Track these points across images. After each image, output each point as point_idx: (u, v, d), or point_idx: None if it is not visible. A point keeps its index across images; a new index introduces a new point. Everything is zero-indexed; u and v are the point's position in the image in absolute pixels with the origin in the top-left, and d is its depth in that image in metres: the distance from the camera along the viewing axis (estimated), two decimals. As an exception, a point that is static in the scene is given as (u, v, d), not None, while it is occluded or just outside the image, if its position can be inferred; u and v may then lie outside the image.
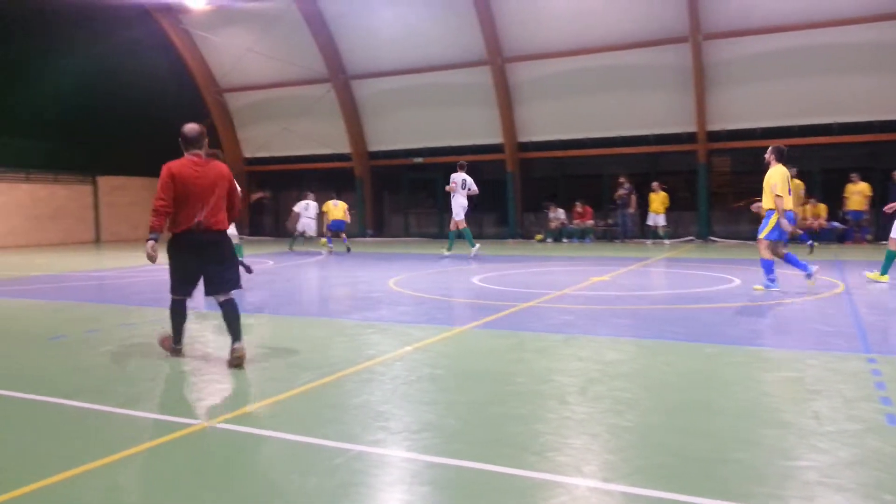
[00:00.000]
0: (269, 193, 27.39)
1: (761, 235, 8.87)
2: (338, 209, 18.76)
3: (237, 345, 5.37)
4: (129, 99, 24.02)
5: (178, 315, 5.71)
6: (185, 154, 5.48)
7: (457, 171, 15.63)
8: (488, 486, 3.07)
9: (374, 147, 24.67)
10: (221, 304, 5.52)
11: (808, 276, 8.93)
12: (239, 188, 6.12)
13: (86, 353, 6.00)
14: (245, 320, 7.24)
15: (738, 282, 10.30)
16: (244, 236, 26.20)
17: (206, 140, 5.67)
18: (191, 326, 7.03)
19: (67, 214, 24.11)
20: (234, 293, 5.55)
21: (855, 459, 3.28)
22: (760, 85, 19.25)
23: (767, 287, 8.85)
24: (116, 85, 23.57)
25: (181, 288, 5.61)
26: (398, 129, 23.88)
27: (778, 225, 8.75)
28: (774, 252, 8.92)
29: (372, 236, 24.55)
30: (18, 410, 4.34)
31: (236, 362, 5.32)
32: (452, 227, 15.64)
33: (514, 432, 3.75)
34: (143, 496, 3.00)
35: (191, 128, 5.53)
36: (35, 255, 17.84)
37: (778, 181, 8.69)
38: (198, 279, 5.59)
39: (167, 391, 4.69)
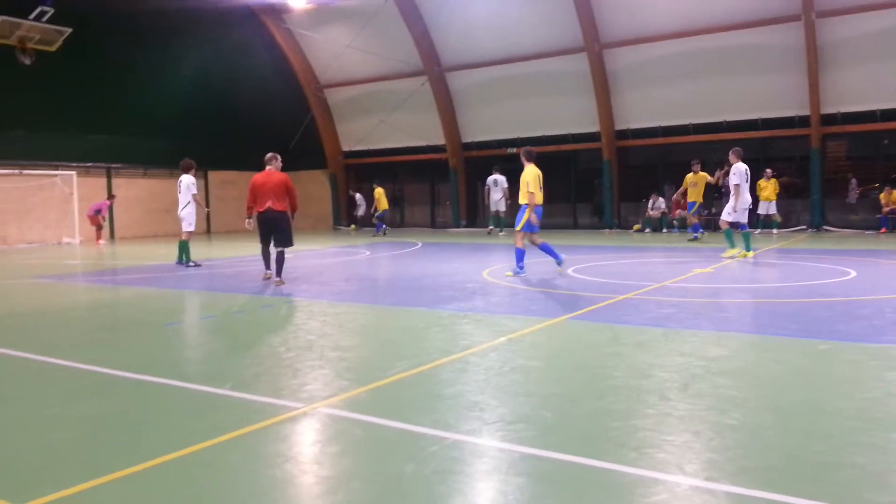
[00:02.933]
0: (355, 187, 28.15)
1: (518, 227, 10.08)
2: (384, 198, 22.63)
3: (278, 278, 9.74)
4: (237, 97, 25.22)
5: (265, 253, 10.02)
6: (266, 167, 9.84)
7: (493, 174, 20.35)
8: (585, 481, 3.03)
9: (467, 138, 24.76)
10: (277, 252, 9.76)
11: (559, 263, 10.26)
12: (292, 186, 9.81)
13: (200, 338, 6.37)
14: (343, 308, 7.51)
15: (853, 274, 9.66)
16: (341, 227, 27.00)
17: (277, 158, 9.93)
18: (297, 317, 7.33)
19: (181, 207, 25.55)
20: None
21: None
22: (879, 65, 17.89)
23: (516, 273, 10.05)
24: (225, 84, 24.80)
25: (262, 241, 9.95)
26: (492, 120, 23.85)
27: (530, 217, 9.93)
28: (532, 242, 10.24)
29: (465, 227, 24.68)
30: (139, 392, 4.67)
31: (277, 284, 9.61)
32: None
33: (611, 427, 3.68)
34: (251, 474, 3.16)
35: (267, 156, 9.94)
36: (152, 246, 19.05)
37: (530, 179, 9.87)
38: (270, 237, 9.77)
39: (273, 376, 4.91)
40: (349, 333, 6.37)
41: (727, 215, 12.07)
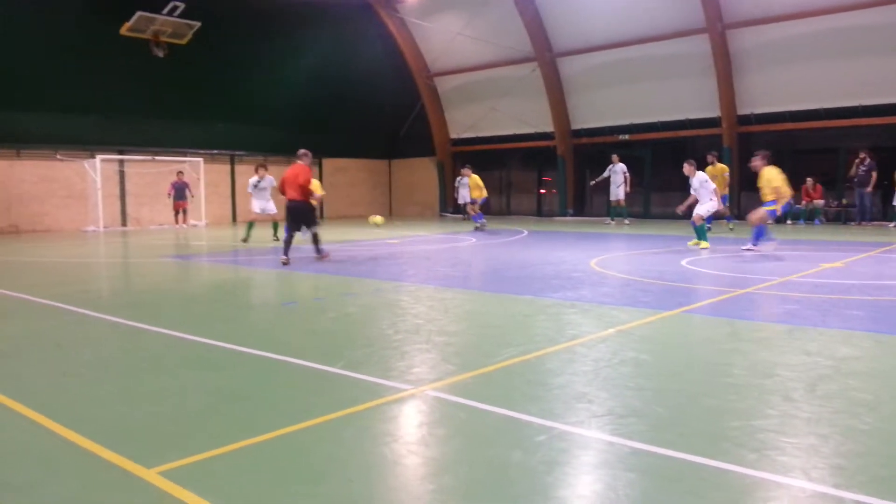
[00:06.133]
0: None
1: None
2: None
3: (317, 255, 11.21)
4: (351, 87, 25.90)
5: (289, 238, 10.98)
6: (297, 161, 11.12)
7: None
8: (700, 480, 2.90)
9: (577, 125, 24.25)
10: (311, 235, 11.21)
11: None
12: (306, 179, 10.92)
13: (314, 318, 6.62)
14: (449, 294, 7.57)
15: None
16: (447, 214, 27.22)
17: (308, 154, 11.25)
18: (404, 302, 7.46)
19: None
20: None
21: None
22: None
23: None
24: (340, 74, 25.51)
25: (289, 226, 11.04)
26: (603, 106, 23.22)
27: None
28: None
29: (572, 215, 24.26)
30: (259, 366, 4.91)
31: (320, 260, 11.07)
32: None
33: (730, 426, 3.50)
34: (362, 452, 3.25)
35: (298, 151, 11.24)
36: (269, 230, 19.97)
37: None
38: (296, 224, 11.02)
39: (382, 357, 5.02)
40: (455, 319, 6.41)
41: (704, 211, 13.29)
